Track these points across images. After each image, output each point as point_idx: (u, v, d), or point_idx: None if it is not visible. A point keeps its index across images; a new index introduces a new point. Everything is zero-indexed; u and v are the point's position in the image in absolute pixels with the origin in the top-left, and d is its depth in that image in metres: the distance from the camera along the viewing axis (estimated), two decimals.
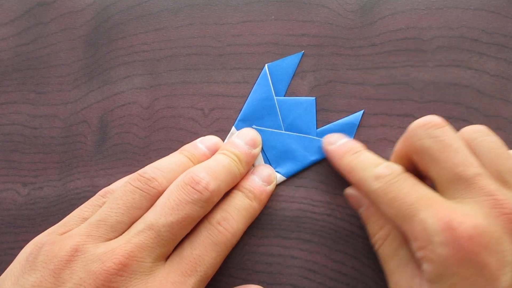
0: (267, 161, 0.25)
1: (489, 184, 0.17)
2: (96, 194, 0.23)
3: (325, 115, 0.25)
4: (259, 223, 0.24)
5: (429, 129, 0.19)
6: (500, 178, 0.18)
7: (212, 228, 0.21)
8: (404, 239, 0.20)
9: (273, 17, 0.26)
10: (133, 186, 0.21)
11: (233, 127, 0.25)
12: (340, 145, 0.22)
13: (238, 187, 0.23)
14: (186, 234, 0.21)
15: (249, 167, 0.24)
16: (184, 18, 0.27)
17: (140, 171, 0.21)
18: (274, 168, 0.25)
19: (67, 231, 0.21)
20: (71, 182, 0.26)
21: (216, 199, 0.21)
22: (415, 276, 0.18)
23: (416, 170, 0.20)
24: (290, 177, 0.24)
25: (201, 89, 0.26)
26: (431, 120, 0.19)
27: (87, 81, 0.27)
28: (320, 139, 0.24)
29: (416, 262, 0.19)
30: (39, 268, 0.19)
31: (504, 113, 0.24)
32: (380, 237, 0.21)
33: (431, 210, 0.17)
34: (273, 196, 0.24)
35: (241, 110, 0.25)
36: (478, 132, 0.20)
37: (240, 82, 0.26)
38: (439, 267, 0.16)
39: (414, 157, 0.20)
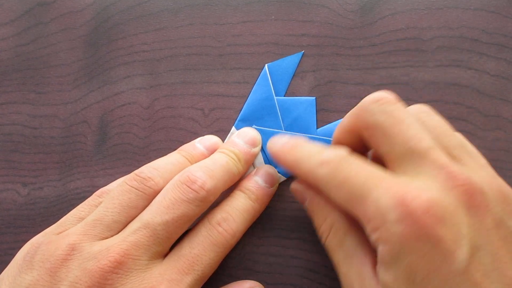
0: (267, 161, 0.25)
1: (442, 157, 0.17)
2: (93, 194, 0.23)
3: (325, 115, 0.25)
4: (259, 223, 0.24)
5: (382, 104, 0.18)
6: (449, 153, 0.18)
7: (212, 229, 0.21)
8: (349, 228, 0.19)
9: (273, 17, 0.26)
10: (129, 185, 0.21)
11: (233, 127, 0.25)
12: (283, 144, 0.21)
13: (240, 188, 0.23)
14: (182, 232, 0.21)
15: (249, 165, 0.24)
16: (184, 18, 0.27)
17: (137, 171, 0.22)
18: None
19: (64, 231, 0.21)
20: (71, 182, 0.26)
21: (213, 198, 0.21)
22: (363, 265, 0.18)
23: (362, 146, 0.20)
24: (290, 177, 0.24)
25: (201, 89, 0.26)
26: (384, 96, 0.18)
27: (87, 81, 0.27)
28: (321, 137, 0.24)
29: (364, 250, 0.18)
30: (35, 267, 0.19)
31: (504, 113, 0.24)
32: (325, 228, 0.20)
33: (382, 188, 0.16)
34: (274, 196, 0.24)
35: (241, 110, 0.25)
36: (424, 111, 0.20)
37: (240, 82, 0.26)
38: (395, 246, 0.16)
39: (364, 132, 0.19)
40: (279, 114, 0.25)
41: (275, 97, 0.25)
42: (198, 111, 0.26)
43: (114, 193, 0.21)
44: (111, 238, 0.20)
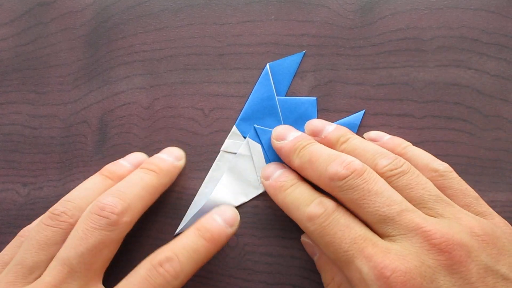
0: (268, 161, 0.25)
1: (415, 217, 0.18)
2: (16, 236, 0.23)
3: (325, 115, 0.25)
4: (260, 223, 0.24)
5: (349, 181, 0.19)
6: (424, 207, 0.19)
7: (152, 269, 0.20)
8: None
9: (273, 17, 0.26)
10: (45, 224, 0.21)
11: (234, 126, 0.25)
12: (274, 180, 0.22)
13: (196, 225, 0.21)
14: (104, 261, 0.20)
15: (172, 177, 0.24)
16: (184, 18, 0.27)
17: (51, 208, 0.21)
18: None
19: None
20: (71, 182, 0.26)
21: (130, 219, 0.21)
22: None
23: None
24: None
25: (201, 89, 0.26)
26: (351, 169, 0.19)
27: (87, 81, 0.27)
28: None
29: None
30: None
31: (504, 113, 0.24)
32: (333, 286, 0.21)
33: (364, 257, 0.17)
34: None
35: (241, 110, 0.25)
36: (392, 169, 0.20)
37: (240, 82, 0.26)
38: None
39: (345, 204, 0.20)
40: (280, 114, 0.25)
41: (276, 96, 0.25)
42: (198, 111, 0.26)
43: (32, 233, 0.21)
44: (34, 282, 0.20)
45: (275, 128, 0.24)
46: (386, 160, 0.20)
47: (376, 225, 0.19)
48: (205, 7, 0.26)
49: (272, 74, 0.25)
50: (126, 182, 0.22)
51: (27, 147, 0.27)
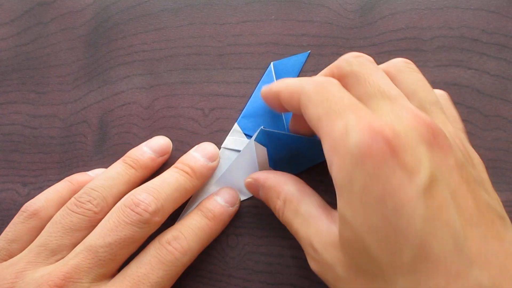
0: (272, 163, 0.24)
1: (410, 104, 0.17)
2: (19, 213, 0.23)
3: None
4: (260, 223, 0.24)
5: (360, 58, 0.19)
6: (421, 107, 0.19)
7: (161, 247, 0.21)
8: (302, 196, 0.20)
9: (273, 17, 0.26)
10: (69, 209, 0.21)
11: (236, 124, 0.25)
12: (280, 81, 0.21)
13: (198, 206, 0.23)
14: (129, 254, 0.21)
15: (205, 179, 0.24)
16: (184, 18, 0.27)
17: (76, 195, 0.22)
18: (277, 169, 0.24)
19: (1, 258, 0.21)
20: None
21: (160, 218, 0.21)
22: (320, 220, 0.19)
23: None
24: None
25: (201, 89, 0.26)
26: (362, 54, 0.20)
27: (87, 81, 0.27)
28: (313, 138, 0.24)
29: (319, 209, 0.19)
30: None
31: (504, 113, 0.24)
32: (280, 205, 0.21)
33: (356, 113, 0.16)
34: None
35: (241, 110, 0.25)
36: (406, 64, 0.20)
37: (240, 82, 0.26)
38: (351, 167, 0.16)
39: (341, 80, 0.19)
40: (282, 113, 0.25)
41: None
42: (198, 111, 0.26)
43: (57, 217, 0.21)
44: (56, 263, 0.20)
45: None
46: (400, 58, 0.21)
47: (370, 100, 0.18)
48: (205, 7, 0.26)
49: (275, 73, 0.25)
50: (161, 181, 0.22)
51: (27, 147, 0.27)
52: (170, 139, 0.26)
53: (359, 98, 0.18)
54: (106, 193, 0.22)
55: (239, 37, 0.26)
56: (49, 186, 0.26)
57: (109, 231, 0.20)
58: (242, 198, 0.25)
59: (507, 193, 0.24)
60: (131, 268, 0.20)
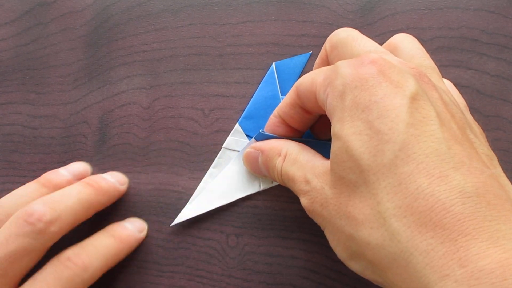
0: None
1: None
2: None
3: None
4: (260, 223, 0.24)
5: (346, 29, 0.20)
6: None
7: (59, 264, 0.20)
8: (301, 149, 0.20)
9: (273, 17, 0.26)
10: None
11: (237, 124, 0.25)
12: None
13: (103, 230, 0.23)
14: (24, 270, 0.20)
15: (112, 199, 0.24)
16: (184, 18, 0.27)
17: None
18: None
19: None
20: None
21: (58, 229, 0.20)
22: (315, 157, 0.19)
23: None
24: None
25: (201, 89, 0.26)
26: (350, 27, 0.20)
27: (87, 82, 0.27)
28: (326, 141, 0.24)
29: (316, 156, 0.19)
30: None
31: (504, 113, 0.24)
32: (280, 159, 0.20)
33: (348, 63, 0.17)
34: (274, 196, 0.24)
35: (241, 110, 0.25)
36: (406, 36, 0.21)
37: (240, 82, 0.26)
38: (342, 85, 0.16)
39: (332, 53, 0.20)
40: None
41: (280, 96, 0.25)
42: (198, 111, 0.26)
43: None
44: None
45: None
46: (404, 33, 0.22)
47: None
48: (205, 7, 0.26)
49: (277, 73, 0.25)
50: (61, 192, 0.22)
51: (27, 147, 0.27)
52: (170, 140, 0.26)
53: None
54: (12, 210, 0.21)
55: (239, 38, 0.26)
56: None
57: None
58: (241, 195, 0.24)
59: None
60: (26, 285, 0.19)
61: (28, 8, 0.28)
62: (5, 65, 0.28)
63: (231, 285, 0.24)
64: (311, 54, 0.25)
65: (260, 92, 0.25)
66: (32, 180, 0.26)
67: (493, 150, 0.24)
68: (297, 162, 0.19)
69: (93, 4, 0.27)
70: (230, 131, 0.25)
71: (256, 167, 0.22)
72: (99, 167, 0.26)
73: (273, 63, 0.25)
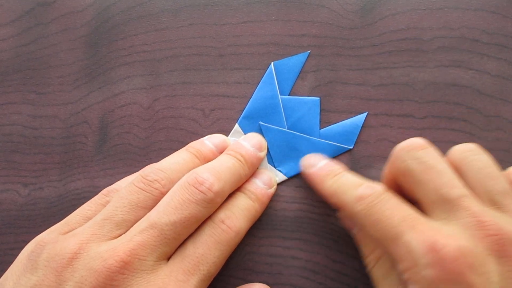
0: (270, 159, 0.25)
1: (474, 205, 0.17)
2: (99, 193, 0.23)
3: (325, 116, 0.25)
4: (260, 223, 0.24)
5: (411, 150, 0.19)
6: (490, 199, 0.18)
7: (216, 227, 0.21)
8: (395, 264, 0.20)
9: (273, 17, 0.26)
10: (137, 186, 0.21)
11: (237, 124, 0.25)
12: (320, 168, 0.22)
13: (240, 189, 0.23)
14: (189, 233, 0.21)
15: (254, 169, 0.24)
16: (185, 18, 0.27)
17: (143, 173, 0.22)
18: (276, 167, 0.25)
19: (70, 230, 0.21)
20: (71, 182, 0.26)
21: (220, 200, 0.21)
22: None
23: (403, 193, 0.20)
24: (291, 177, 0.25)
25: (201, 89, 0.26)
26: (414, 142, 0.19)
27: (88, 82, 0.27)
28: (326, 141, 0.24)
29: (404, 284, 0.18)
30: (41, 267, 0.19)
31: (504, 113, 0.24)
32: (372, 259, 0.21)
33: (415, 231, 0.17)
34: (274, 196, 0.24)
35: (242, 110, 0.25)
36: (469, 151, 0.20)
37: (240, 82, 0.26)
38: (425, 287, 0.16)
39: (399, 179, 0.20)
40: (282, 113, 0.25)
41: (279, 96, 0.25)
42: (198, 111, 0.26)
43: (123, 192, 0.21)
44: (119, 238, 0.20)
45: (304, 157, 0.24)
46: (462, 145, 0.20)
47: (430, 206, 0.18)
48: (206, 7, 0.26)
49: (276, 73, 0.25)
50: (220, 163, 0.22)
51: (27, 147, 0.27)
52: (171, 140, 0.26)
53: (422, 203, 0.18)
54: (173, 176, 0.21)
55: (240, 38, 0.26)
56: (50, 186, 0.26)
57: (173, 209, 0.20)
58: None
59: None
60: (188, 248, 0.20)
61: (28, 8, 0.28)
62: (5, 65, 0.28)
63: (231, 285, 0.24)
64: (309, 54, 0.25)
65: (259, 92, 0.25)
66: (33, 180, 0.26)
67: (493, 150, 0.24)
68: (387, 280, 0.20)
69: (93, 4, 0.27)
70: (231, 131, 0.25)
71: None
72: (99, 167, 0.26)
73: (272, 63, 0.25)
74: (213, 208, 0.21)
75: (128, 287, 0.18)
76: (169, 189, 0.21)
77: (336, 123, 0.25)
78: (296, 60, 0.25)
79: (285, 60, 0.25)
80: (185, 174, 0.21)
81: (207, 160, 0.23)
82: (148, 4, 0.27)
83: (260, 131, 0.25)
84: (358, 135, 0.24)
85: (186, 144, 0.25)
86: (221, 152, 0.24)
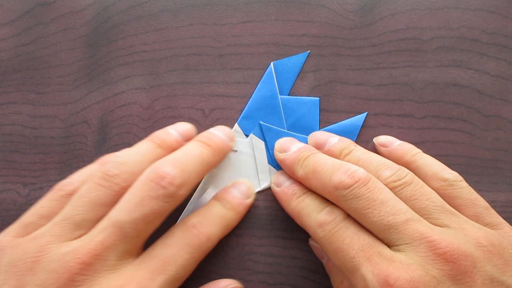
0: (270, 158, 0.25)
1: (420, 227, 0.18)
2: (52, 189, 0.22)
3: (325, 116, 0.25)
4: (259, 223, 0.24)
5: (353, 190, 0.19)
6: (429, 217, 0.19)
7: (187, 230, 0.21)
8: None
9: (273, 17, 0.26)
10: (97, 183, 0.20)
11: (236, 124, 0.25)
12: (287, 187, 0.22)
13: (216, 197, 0.23)
14: (153, 229, 0.20)
15: (223, 157, 0.24)
16: (184, 18, 0.27)
17: (104, 169, 0.21)
18: (276, 168, 0.25)
19: (27, 232, 0.21)
20: None
21: (184, 192, 0.20)
22: None
23: None
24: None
25: (201, 89, 0.26)
26: (355, 179, 0.19)
27: (87, 82, 0.27)
28: None
29: None
30: (2, 272, 0.19)
31: (504, 113, 0.24)
32: None
33: (370, 264, 0.17)
34: (274, 196, 0.24)
35: (241, 110, 0.25)
36: (395, 180, 0.20)
37: (240, 82, 0.26)
38: None
39: (347, 211, 0.20)
40: (282, 113, 0.25)
41: (279, 95, 0.25)
42: (198, 111, 0.26)
43: (82, 190, 0.21)
44: (79, 238, 0.19)
45: (277, 141, 0.24)
46: (389, 171, 0.20)
47: (381, 234, 0.19)
48: (205, 7, 0.26)
49: (275, 73, 0.25)
50: (185, 153, 0.21)
51: (27, 147, 0.27)
52: None
53: (373, 232, 0.19)
54: (135, 169, 0.21)
55: (239, 38, 0.26)
56: (50, 186, 0.26)
57: (134, 206, 0.19)
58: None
59: (507, 193, 0.24)
60: (157, 248, 0.20)
61: (28, 8, 0.28)
62: (5, 65, 0.28)
63: None
64: (309, 54, 0.25)
65: (258, 92, 0.25)
66: (33, 180, 0.26)
67: (493, 150, 0.24)
68: None
69: (93, 4, 0.27)
70: (233, 128, 0.25)
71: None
72: None
73: (271, 63, 0.25)
74: (177, 201, 0.20)
75: (90, 287, 0.18)
76: (131, 182, 0.20)
77: (335, 123, 0.25)
78: (296, 60, 0.25)
79: (285, 60, 0.25)
80: (148, 167, 0.20)
81: (172, 149, 0.22)
82: (148, 4, 0.27)
83: (260, 130, 0.25)
84: (358, 135, 0.24)
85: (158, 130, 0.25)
86: (187, 141, 0.23)
